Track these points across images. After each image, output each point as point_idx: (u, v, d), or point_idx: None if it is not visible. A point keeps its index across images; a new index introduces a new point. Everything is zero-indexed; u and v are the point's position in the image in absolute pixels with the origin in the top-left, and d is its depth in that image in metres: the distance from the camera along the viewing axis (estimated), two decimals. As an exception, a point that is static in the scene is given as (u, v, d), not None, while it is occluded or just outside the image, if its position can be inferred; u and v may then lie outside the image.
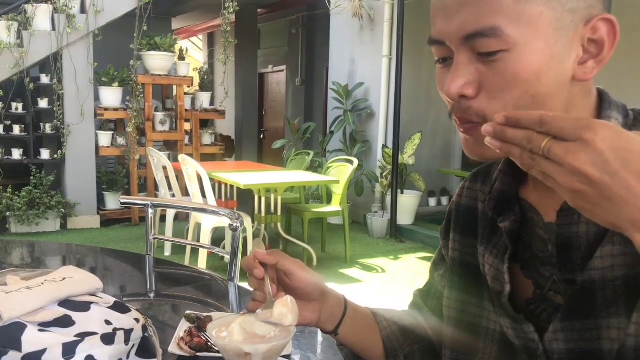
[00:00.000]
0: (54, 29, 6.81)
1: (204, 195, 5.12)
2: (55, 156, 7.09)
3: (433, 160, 7.63)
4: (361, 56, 7.65)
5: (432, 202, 7.82)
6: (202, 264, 4.92)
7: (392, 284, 5.13)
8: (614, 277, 0.72)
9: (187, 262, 5.26)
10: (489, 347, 0.90)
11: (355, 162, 5.95)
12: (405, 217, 6.96)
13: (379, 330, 1.07)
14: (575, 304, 0.77)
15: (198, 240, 5.21)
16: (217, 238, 5.46)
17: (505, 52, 0.72)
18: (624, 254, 0.72)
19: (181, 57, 7.71)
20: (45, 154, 7.20)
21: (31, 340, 0.85)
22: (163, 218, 5.99)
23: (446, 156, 7.87)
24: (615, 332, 0.73)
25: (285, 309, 0.86)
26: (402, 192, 6.95)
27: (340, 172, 5.92)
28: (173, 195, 5.84)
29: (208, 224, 4.98)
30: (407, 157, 6.83)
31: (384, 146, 7.13)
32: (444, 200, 7.89)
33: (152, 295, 1.74)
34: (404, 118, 6.76)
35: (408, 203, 6.99)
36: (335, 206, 5.89)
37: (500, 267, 0.87)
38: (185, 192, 5.72)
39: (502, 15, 0.72)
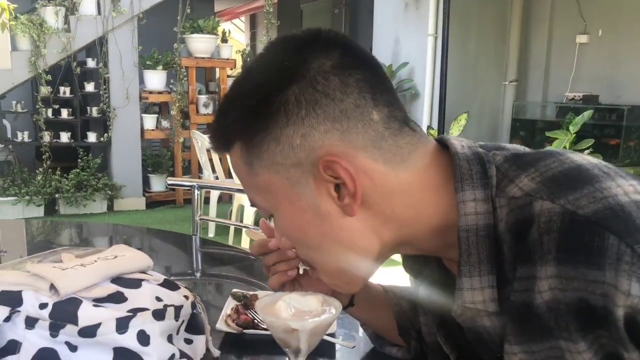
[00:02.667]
0: (99, 13, 6.90)
1: (247, 177, 5.15)
2: (102, 139, 7.21)
3: (480, 141, 7.52)
4: (406, 35, 7.56)
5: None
6: (245, 244, 4.97)
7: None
8: None
9: (230, 243, 5.33)
10: None
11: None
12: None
13: (391, 307, 1.08)
14: None
15: (241, 221, 5.26)
16: (260, 220, 5.50)
17: (272, 217, 0.80)
18: (524, 352, 0.70)
19: (224, 40, 7.73)
20: (92, 137, 7.34)
21: (87, 315, 0.88)
22: (206, 200, 6.06)
23: (493, 137, 7.75)
24: None
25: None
26: (446, 173, 6.88)
27: (383, 154, 5.87)
28: (216, 178, 5.90)
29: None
30: (452, 138, 6.74)
31: (429, 127, 7.07)
32: (491, 181, 7.77)
33: (198, 274, 1.77)
34: (449, 98, 6.66)
35: (452, 184, 6.91)
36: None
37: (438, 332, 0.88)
38: (228, 174, 5.78)
39: (249, 189, 0.80)
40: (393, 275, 1.15)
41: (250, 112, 0.74)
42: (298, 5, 10.81)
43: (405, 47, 7.58)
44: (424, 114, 7.26)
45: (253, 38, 13.38)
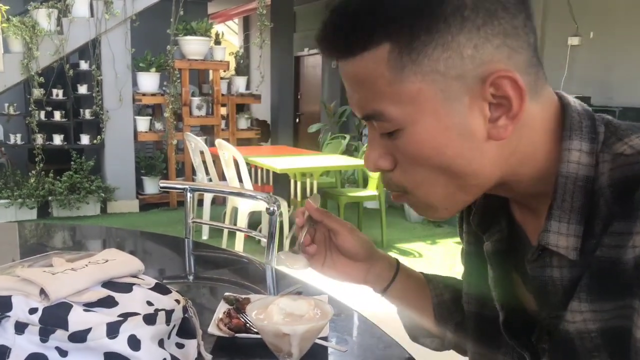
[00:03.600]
0: (92, 15, 6.90)
1: (240, 179, 5.16)
2: (95, 141, 7.21)
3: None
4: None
5: (469, 185, 7.74)
6: (238, 247, 4.97)
7: (429, 269, 5.09)
8: (588, 330, 0.70)
9: (224, 245, 5.32)
10: (511, 344, 0.88)
11: (392, 145, 5.91)
12: (442, 201, 6.88)
13: (430, 298, 1.08)
14: (558, 349, 0.76)
15: (235, 224, 5.26)
16: (253, 223, 5.50)
17: (400, 131, 0.71)
18: (592, 311, 0.70)
19: (217, 42, 7.74)
20: (85, 139, 7.33)
21: (77, 319, 0.88)
22: (200, 202, 6.06)
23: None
24: None
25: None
26: (439, 176, 6.88)
27: (376, 156, 5.88)
28: (210, 180, 5.90)
29: (244, 208, 5.02)
30: (444, 140, 6.75)
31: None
32: (481, 184, 7.80)
33: (191, 277, 1.76)
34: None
35: (445, 187, 6.91)
36: (371, 190, 5.87)
37: (491, 291, 0.87)
38: (222, 177, 5.77)
39: (382, 99, 0.70)
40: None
41: (418, 11, 0.67)
42: (291, 6, 10.80)
43: (398, 48, 7.57)
44: (417, 115, 7.26)
45: (247, 40, 13.36)
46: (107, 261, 1.03)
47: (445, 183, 0.73)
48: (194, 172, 6.69)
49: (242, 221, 5.03)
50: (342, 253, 1.02)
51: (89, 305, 0.92)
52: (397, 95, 0.69)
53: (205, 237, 5.91)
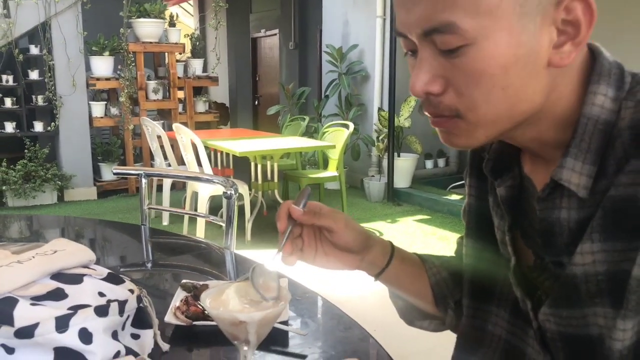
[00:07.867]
0: (41, -2, 6.70)
1: (199, 163, 5.09)
2: (49, 128, 7.03)
3: (429, 122, 7.57)
4: (355, 17, 7.54)
5: (429, 164, 7.81)
6: (200, 231, 4.92)
7: (390, 247, 5.14)
8: (596, 272, 0.71)
9: (185, 231, 5.26)
10: (505, 295, 0.89)
11: (351, 126, 5.91)
12: (402, 180, 6.95)
13: (427, 277, 1.05)
14: (561, 294, 0.76)
15: (195, 209, 5.20)
16: (215, 206, 5.45)
17: (466, 47, 0.68)
18: (604, 251, 0.70)
19: (172, 24, 7.60)
20: (38, 127, 7.15)
21: (23, 314, 0.84)
22: (160, 188, 5.98)
23: (442, 117, 7.81)
24: (601, 319, 0.72)
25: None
26: (398, 155, 6.93)
27: (336, 137, 5.89)
28: (169, 165, 5.82)
29: (205, 192, 4.97)
30: (403, 119, 6.78)
31: (380, 109, 7.09)
32: (441, 162, 7.87)
33: (149, 265, 1.73)
34: (399, 80, 6.69)
35: (405, 166, 6.97)
36: (331, 171, 5.87)
37: (503, 237, 0.86)
38: (181, 161, 5.70)
39: (457, 9, 0.66)
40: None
41: None
42: (247, -13, 10.68)
43: (354, 29, 7.56)
44: (375, 95, 7.28)
45: (202, 21, 13.17)
46: (55, 252, 1.00)
47: (499, 105, 0.71)
48: (152, 157, 6.59)
49: (203, 206, 4.98)
50: (336, 247, 0.96)
51: (36, 299, 0.88)
52: (475, 5, 0.66)
53: (165, 222, 5.84)
